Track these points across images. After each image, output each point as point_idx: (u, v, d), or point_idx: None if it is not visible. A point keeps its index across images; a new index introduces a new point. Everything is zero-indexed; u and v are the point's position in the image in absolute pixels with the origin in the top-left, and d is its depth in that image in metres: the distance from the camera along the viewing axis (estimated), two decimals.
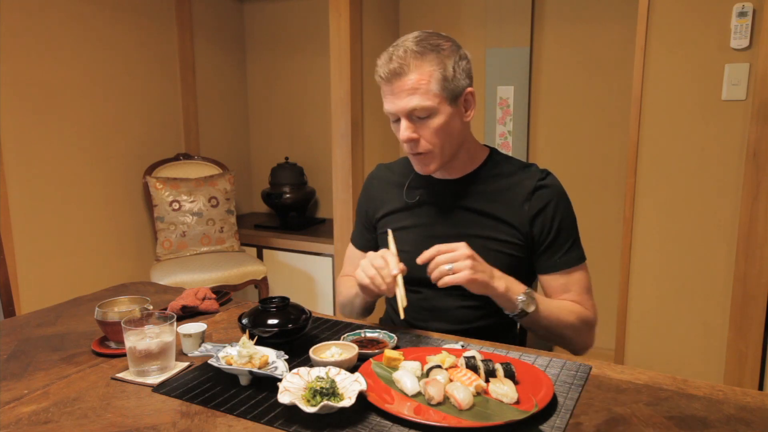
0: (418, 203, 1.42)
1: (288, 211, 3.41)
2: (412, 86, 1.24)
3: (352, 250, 1.59)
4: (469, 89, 1.31)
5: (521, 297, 1.23)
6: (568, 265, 1.34)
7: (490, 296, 1.23)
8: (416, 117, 1.27)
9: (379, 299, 1.42)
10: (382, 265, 1.22)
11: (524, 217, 1.34)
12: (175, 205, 2.94)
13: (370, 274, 1.23)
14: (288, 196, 3.35)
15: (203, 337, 1.21)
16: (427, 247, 1.24)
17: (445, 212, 1.39)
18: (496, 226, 1.35)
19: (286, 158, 3.45)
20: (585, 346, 1.36)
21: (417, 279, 1.39)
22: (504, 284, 1.22)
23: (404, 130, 1.28)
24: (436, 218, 1.40)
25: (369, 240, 1.53)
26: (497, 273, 1.23)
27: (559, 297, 1.36)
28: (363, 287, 1.27)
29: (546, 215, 1.34)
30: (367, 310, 1.49)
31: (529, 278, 1.42)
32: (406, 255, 1.32)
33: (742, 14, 2.11)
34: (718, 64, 2.17)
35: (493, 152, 1.43)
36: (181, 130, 3.31)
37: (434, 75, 1.24)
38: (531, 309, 1.23)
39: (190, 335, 1.19)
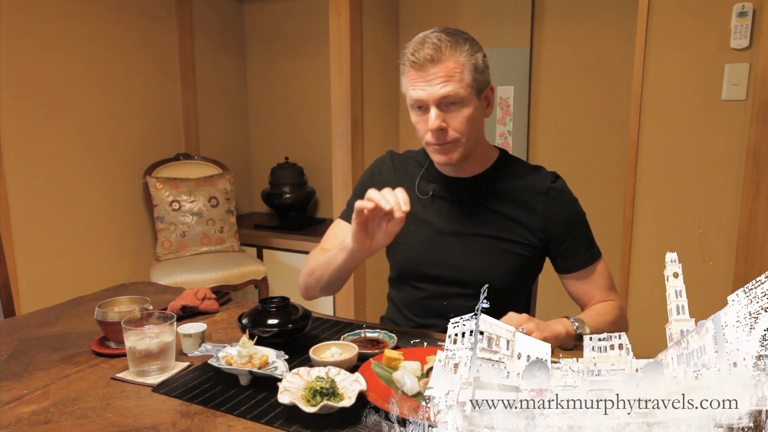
0: (430, 197, 1.40)
1: (288, 211, 3.41)
2: (447, 73, 1.22)
3: (340, 225, 1.47)
4: (491, 85, 1.31)
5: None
6: (591, 261, 1.36)
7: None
8: (446, 105, 1.24)
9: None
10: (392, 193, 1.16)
11: (538, 219, 1.34)
12: (175, 205, 2.94)
13: (378, 196, 1.15)
14: (288, 196, 3.35)
15: (203, 337, 1.21)
16: (437, 244, 1.25)
17: (458, 209, 1.38)
18: (508, 227, 1.34)
19: (286, 158, 3.45)
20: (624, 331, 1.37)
21: (418, 275, 1.39)
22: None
23: (434, 119, 1.24)
24: (447, 215, 1.38)
25: None
26: (553, 332, 1.17)
27: (584, 293, 1.37)
28: (360, 213, 1.16)
29: (561, 218, 1.35)
30: (339, 278, 1.35)
31: (533, 278, 1.44)
32: (415, 250, 1.31)
33: (742, 14, 2.11)
34: (718, 64, 2.17)
35: (503, 153, 1.42)
36: (181, 130, 3.31)
37: (467, 65, 1.24)
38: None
39: (190, 335, 1.19)
